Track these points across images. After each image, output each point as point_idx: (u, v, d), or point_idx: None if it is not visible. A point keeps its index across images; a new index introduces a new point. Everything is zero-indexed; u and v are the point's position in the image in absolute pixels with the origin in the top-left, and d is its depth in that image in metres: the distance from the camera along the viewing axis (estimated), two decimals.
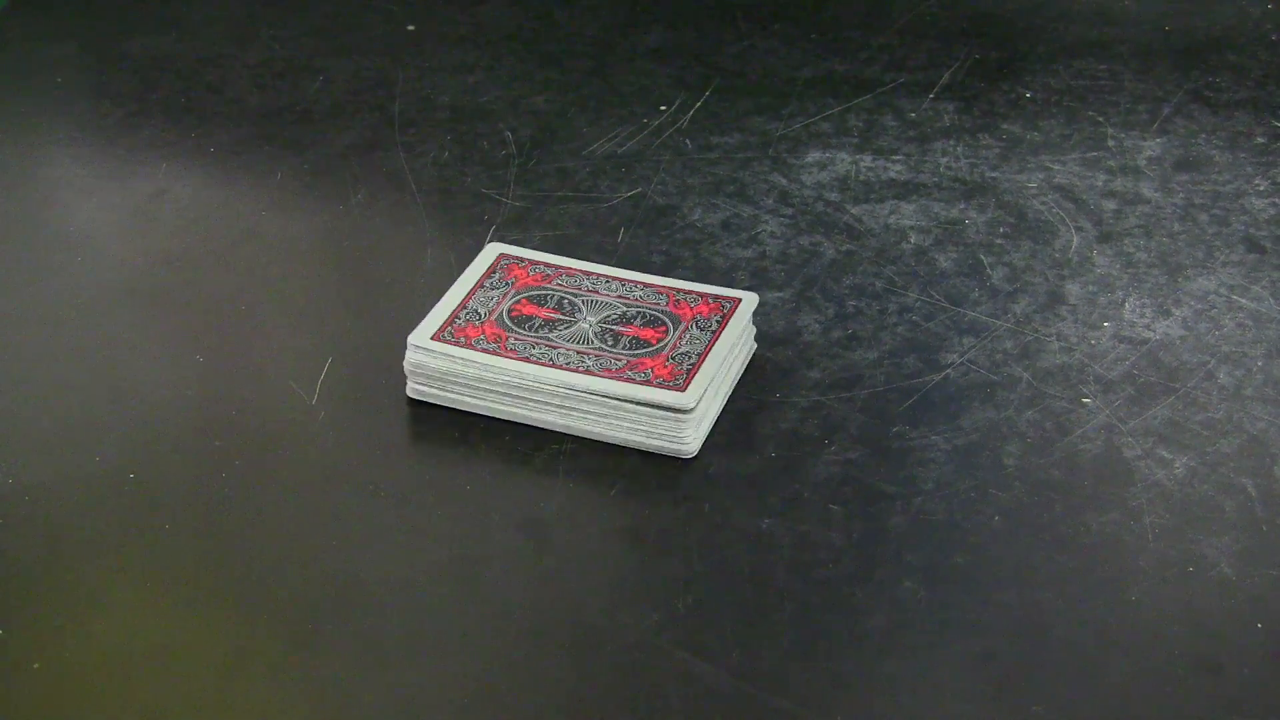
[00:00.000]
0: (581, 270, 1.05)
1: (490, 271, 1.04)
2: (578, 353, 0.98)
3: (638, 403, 0.96)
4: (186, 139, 1.24)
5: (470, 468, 0.97)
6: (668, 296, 1.02)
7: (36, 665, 0.86)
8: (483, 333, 1.00)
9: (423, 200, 1.17)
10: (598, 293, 1.03)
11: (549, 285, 1.03)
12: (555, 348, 0.99)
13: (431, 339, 0.99)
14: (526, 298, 1.02)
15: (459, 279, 1.04)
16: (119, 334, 1.07)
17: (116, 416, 1.00)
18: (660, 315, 1.01)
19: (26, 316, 1.08)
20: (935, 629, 0.87)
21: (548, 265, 1.05)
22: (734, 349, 1.00)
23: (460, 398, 0.99)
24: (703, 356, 0.98)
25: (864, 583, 0.90)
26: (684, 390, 0.96)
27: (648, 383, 0.96)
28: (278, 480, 0.96)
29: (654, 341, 0.99)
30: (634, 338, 0.99)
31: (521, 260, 1.05)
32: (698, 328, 1.00)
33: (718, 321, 1.00)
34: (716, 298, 1.02)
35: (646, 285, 1.04)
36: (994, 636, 0.87)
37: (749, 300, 1.02)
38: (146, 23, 1.38)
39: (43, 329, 1.07)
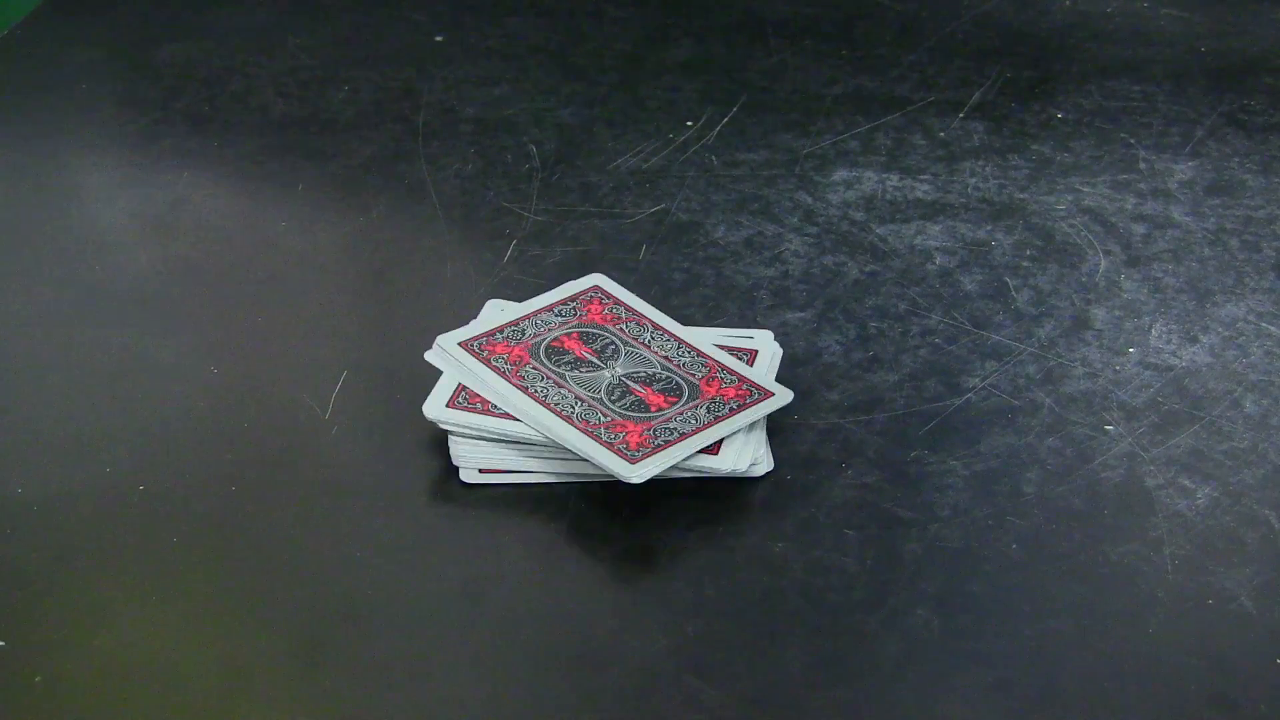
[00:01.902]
0: (650, 320, 1.02)
1: (574, 299, 1.02)
2: (577, 399, 0.96)
3: (587, 459, 0.93)
4: (209, 147, 1.24)
5: (481, 487, 0.96)
6: (710, 369, 0.99)
7: (38, 678, 0.85)
8: (510, 352, 0.98)
9: (444, 213, 1.17)
10: (646, 345, 1.00)
11: (609, 326, 1.01)
12: (562, 387, 0.96)
13: (459, 344, 0.98)
14: (580, 332, 1.00)
15: (540, 296, 1.02)
16: (133, 343, 1.06)
17: (128, 427, 1.00)
18: (684, 384, 0.98)
19: (40, 322, 1.08)
20: (948, 658, 0.86)
21: (626, 308, 1.02)
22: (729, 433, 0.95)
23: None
24: (681, 438, 0.94)
25: (877, 610, 0.88)
26: (633, 464, 0.92)
27: (609, 445, 0.93)
28: (287, 495, 0.95)
29: (654, 409, 0.96)
30: (640, 399, 0.96)
31: (607, 297, 1.03)
32: (708, 409, 0.96)
33: (730, 409, 0.96)
34: (751, 385, 0.98)
35: (695, 351, 1.00)
36: (1008, 667, 0.86)
37: (780, 398, 0.97)
38: (174, 30, 1.38)
39: (56, 336, 1.07)
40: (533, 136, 1.25)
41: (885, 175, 1.21)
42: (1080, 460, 0.97)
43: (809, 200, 1.18)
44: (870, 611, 0.88)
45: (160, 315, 1.09)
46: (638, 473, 0.92)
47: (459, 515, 0.94)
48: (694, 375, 0.98)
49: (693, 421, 0.95)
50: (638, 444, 0.93)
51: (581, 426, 0.94)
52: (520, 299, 1.03)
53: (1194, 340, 1.06)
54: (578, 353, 0.99)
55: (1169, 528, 0.92)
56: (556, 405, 0.95)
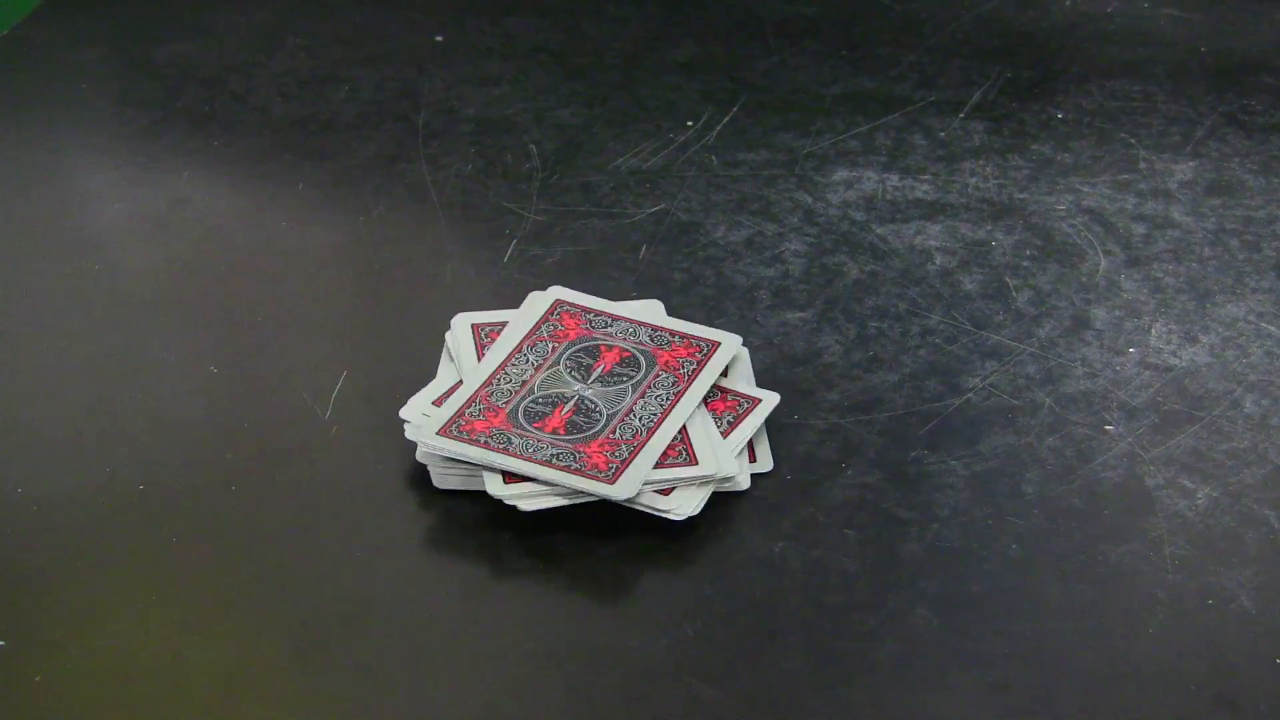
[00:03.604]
0: (685, 380, 0.98)
1: (684, 337, 1.01)
2: (506, 378, 0.98)
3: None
4: (209, 147, 1.23)
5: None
6: (629, 441, 0.94)
7: (38, 678, 0.85)
8: (573, 327, 1.01)
9: (444, 213, 1.17)
10: (642, 393, 0.97)
11: (659, 365, 0.99)
12: (519, 366, 0.98)
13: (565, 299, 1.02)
14: (634, 354, 0.99)
15: (680, 321, 1.03)
16: (133, 343, 1.06)
17: (127, 427, 1.00)
18: (591, 429, 0.94)
19: (40, 322, 1.08)
20: (948, 658, 0.86)
21: (698, 364, 0.99)
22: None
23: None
24: (492, 449, 0.92)
25: (876, 610, 0.88)
26: (435, 434, 0.93)
27: (452, 413, 0.95)
28: (287, 495, 0.95)
29: (537, 428, 0.94)
30: (547, 415, 0.95)
31: (700, 352, 1.00)
32: (557, 456, 0.93)
33: (569, 466, 0.93)
34: (618, 465, 0.93)
35: (657, 416, 0.96)
36: (1008, 667, 0.86)
37: (618, 492, 0.92)
38: (175, 30, 1.38)
39: (56, 336, 1.07)
40: (533, 136, 1.25)
41: (885, 175, 1.21)
42: (1080, 460, 0.97)
43: (809, 200, 1.18)
44: (870, 611, 0.88)
45: (160, 315, 1.09)
46: (425, 439, 0.93)
47: (458, 514, 0.94)
48: (616, 434, 0.94)
49: (528, 450, 0.93)
50: (465, 430, 0.94)
51: (470, 393, 0.96)
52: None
53: (1194, 340, 1.06)
54: (597, 359, 0.99)
55: (1169, 528, 0.92)
56: (488, 370, 0.97)
